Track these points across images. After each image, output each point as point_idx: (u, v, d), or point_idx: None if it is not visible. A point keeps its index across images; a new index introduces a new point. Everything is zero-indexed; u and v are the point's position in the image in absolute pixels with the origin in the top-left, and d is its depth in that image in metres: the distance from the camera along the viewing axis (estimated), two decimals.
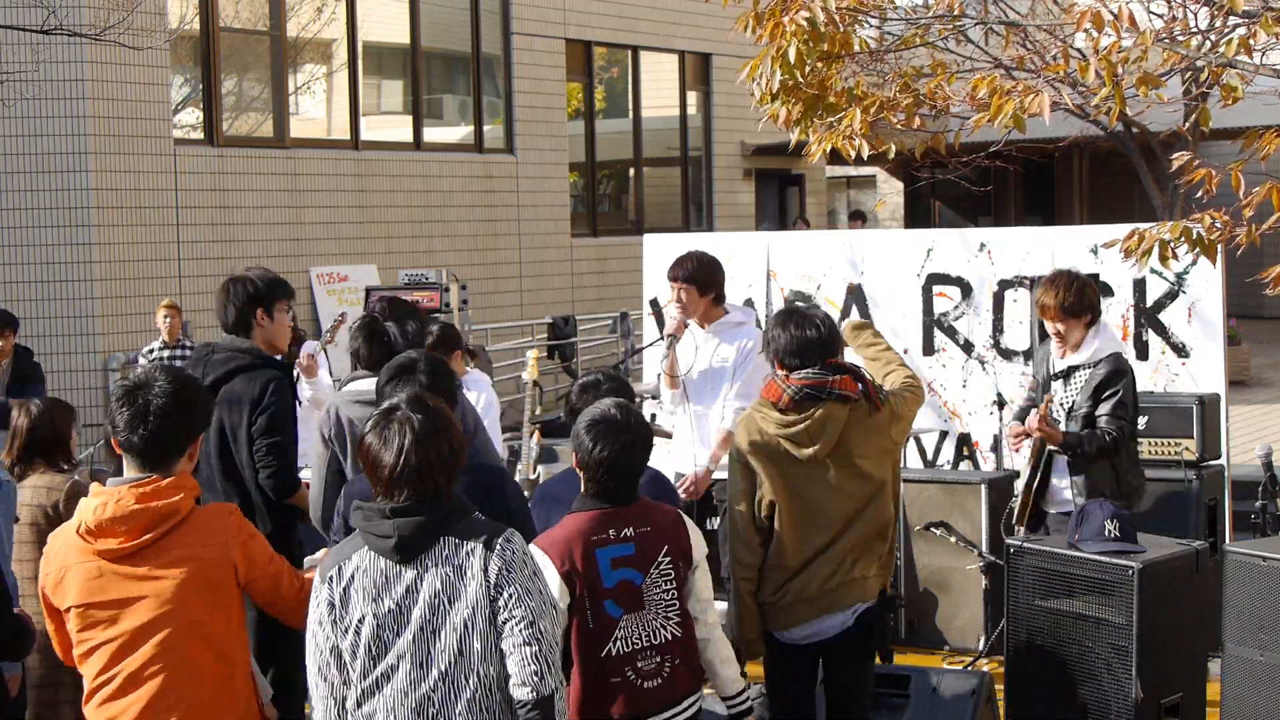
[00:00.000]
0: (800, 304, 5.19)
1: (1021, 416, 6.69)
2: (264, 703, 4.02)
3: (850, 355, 5.43)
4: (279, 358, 5.70)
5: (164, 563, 3.74)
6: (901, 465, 8.30)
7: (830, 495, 4.95)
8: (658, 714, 4.32)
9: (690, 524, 4.45)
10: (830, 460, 4.93)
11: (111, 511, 3.73)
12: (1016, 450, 6.57)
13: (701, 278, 6.84)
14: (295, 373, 6.41)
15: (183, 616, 3.76)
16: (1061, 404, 6.41)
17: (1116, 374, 6.29)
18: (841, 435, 4.92)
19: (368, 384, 5.35)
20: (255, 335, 5.60)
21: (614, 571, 4.28)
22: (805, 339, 4.96)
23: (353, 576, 3.60)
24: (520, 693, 3.57)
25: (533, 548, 3.99)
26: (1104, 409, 6.26)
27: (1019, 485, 6.59)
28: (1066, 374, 6.43)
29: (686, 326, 6.91)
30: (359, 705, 3.60)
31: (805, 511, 4.96)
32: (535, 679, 3.55)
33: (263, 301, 5.62)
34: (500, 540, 3.60)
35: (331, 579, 3.62)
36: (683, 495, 6.49)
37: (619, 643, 4.28)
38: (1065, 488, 6.39)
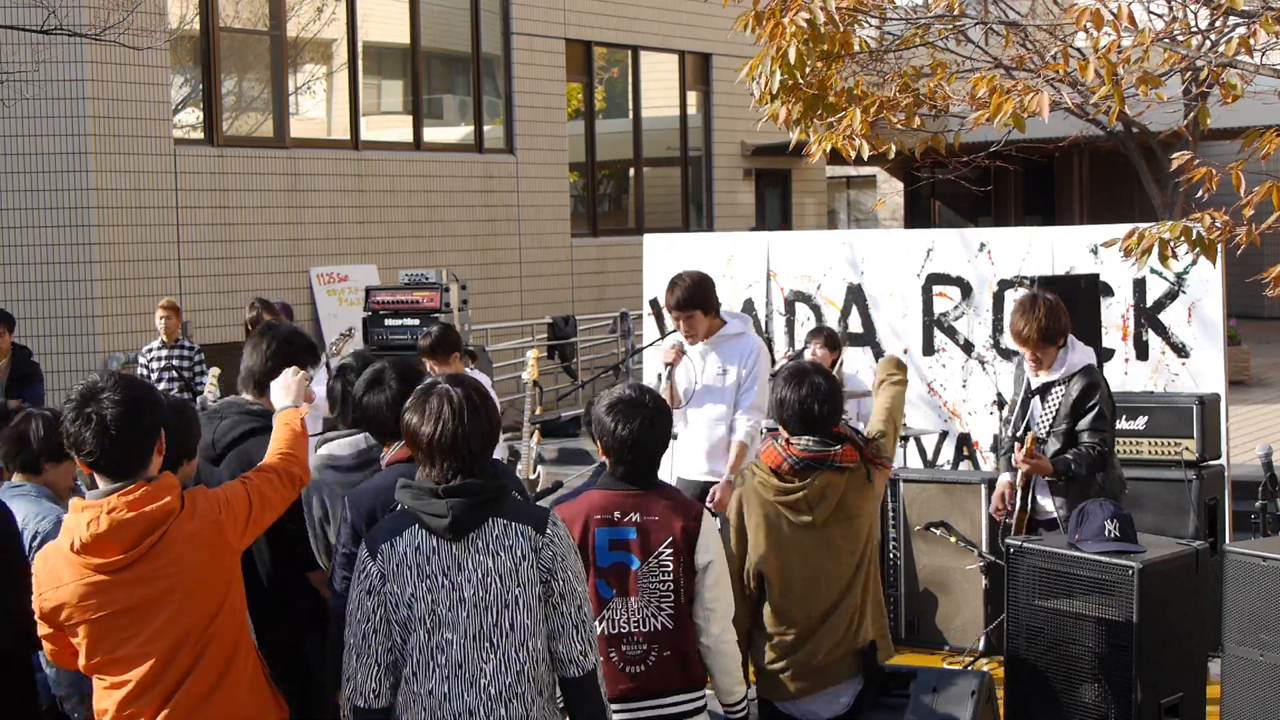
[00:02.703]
0: (808, 364, 5.15)
1: (1006, 452, 6.63)
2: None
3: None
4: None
5: (167, 561, 3.70)
6: (901, 465, 8.37)
7: (831, 559, 4.91)
8: (639, 701, 4.37)
9: (707, 526, 4.43)
10: (829, 524, 4.89)
11: (105, 525, 3.65)
12: (1004, 509, 6.50)
13: (701, 300, 6.90)
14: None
15: (197, 609, 3.75)
16: (1042, 419, 6.39)
17: (1091, 387, 6.27)
18: (839, 500, 4.90)
19: (339, 446, 5.03)
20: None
21: (610, 553, 4.37)
22: (811, 411, 4.88)
23: (405, 552, 3.71)
24: (568, 671, 3.76)
25: None
26: (1084, 423, 6.25)
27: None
28: (1043, 390, 6.40)
29: (684, 354, 6.95)
30: (414, 676, 3.71)
31: (806, 578, 4.90)
32: (581, 657, 3.75)
33: (297, 362, 5.20)
34: (550, 525, 3.77)
35: (382, 552, 3.74)
36: (713, 509, 6.48)
37: (605, 623, 4.37)
38: (1051, 510, 6.37)
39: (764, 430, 6.73)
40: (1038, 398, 6.42)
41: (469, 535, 3.69)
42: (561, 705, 3.89)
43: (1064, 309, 6.37)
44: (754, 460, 5.10)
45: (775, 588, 4.92)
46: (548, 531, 3.74)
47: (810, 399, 4.89)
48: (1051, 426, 6.32)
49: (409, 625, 3.70)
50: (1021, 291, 6.55)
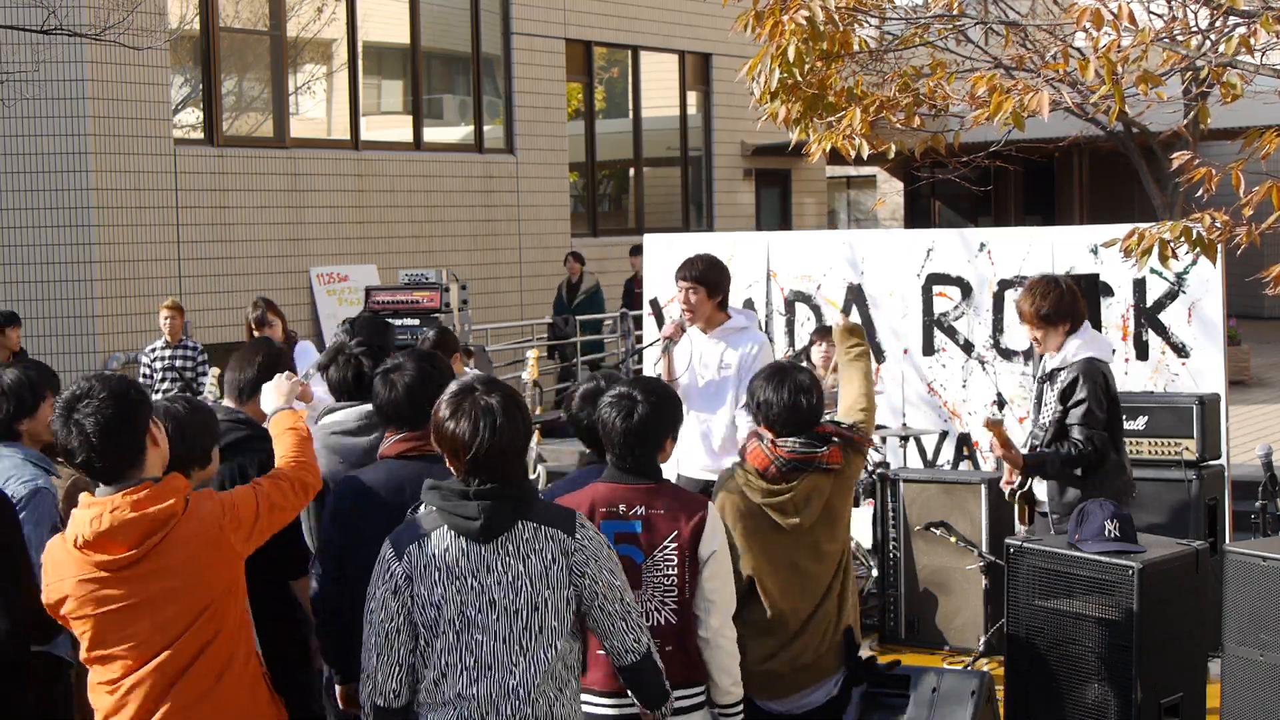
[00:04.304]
0: (785, 362, 5.10)
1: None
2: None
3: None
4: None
5: (169, 562, 3.73)
6: (901, 465, 8.37)
7: (815, 560, 4.90)
8: None
9: (712, 519, 4.42)
10: (815, 528, 4.88)
11: (108, 523, 3.69)
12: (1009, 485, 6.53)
13: (711, 280, 6.80)
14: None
15: (195, 610, 3.76)
16: (1046, 406, 6.39)
17: (1079, 381, 6.19)
18: (825, 503, 4.88)
19: (344, 415, 5.19)
20: (254, 400, 5.25)
21: (616, 546, 4.31)
22: (797, 407, 4.85)
23: (433, 554, 3.70)
24: (624, 660, 3.86)
25: None
26: (1072, 417, 6.21)
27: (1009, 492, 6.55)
28: (1050, 377, 6.40)
29: (684, 331, 6.88)
30: (443, 678, 3.70)
31: (793, 579, 4.88)
32: (635, 644, 3.86)
33: (278, 370, 5.31)
34: (579, 527, 3.79)
35: (409, 553, 3.71)
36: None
37: None
38: (1045, 500, 6.38)
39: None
40: (1046, 383, 6.41)
41: (499, 538, 3.69)
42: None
43: (1076, 295, 6.33)
44: (738, 461, 5.06)
45: (763, 589, 4.90)
46: (577, 535, 3.76)
47: (795, 399, 4.85)
48: (1051, 416, 6.32)
49: (436, 628, 3.69)
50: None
